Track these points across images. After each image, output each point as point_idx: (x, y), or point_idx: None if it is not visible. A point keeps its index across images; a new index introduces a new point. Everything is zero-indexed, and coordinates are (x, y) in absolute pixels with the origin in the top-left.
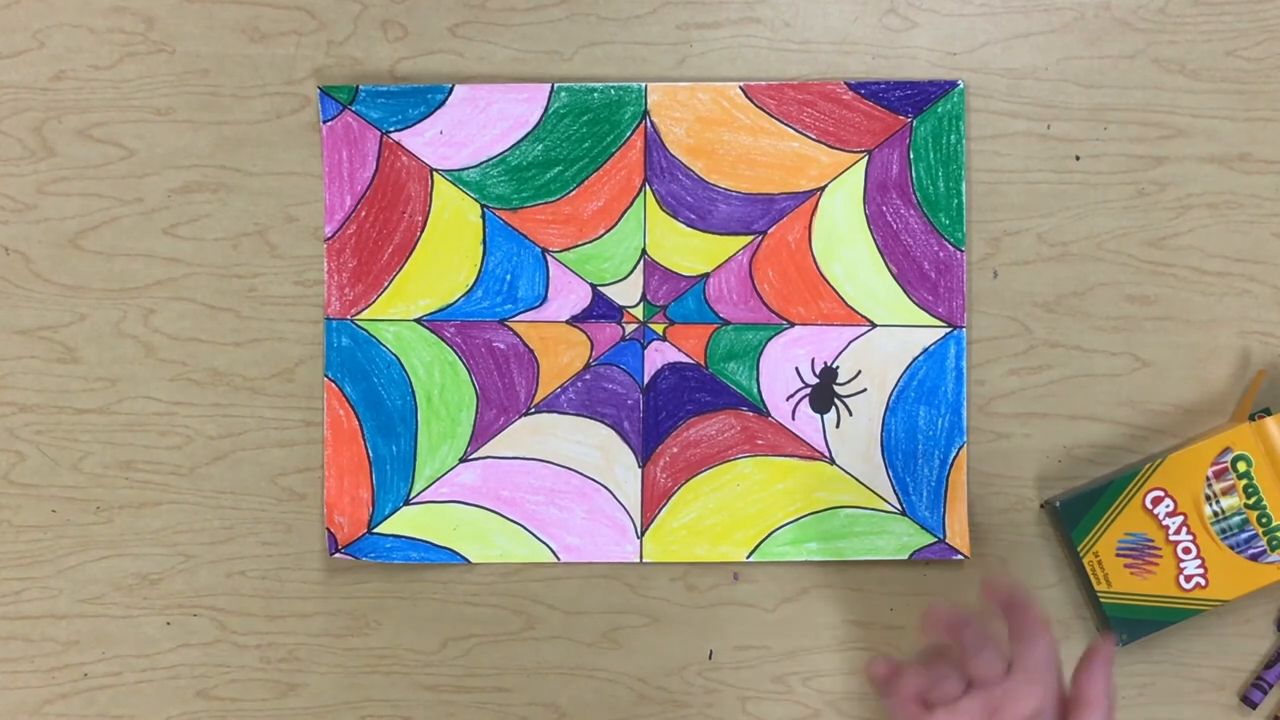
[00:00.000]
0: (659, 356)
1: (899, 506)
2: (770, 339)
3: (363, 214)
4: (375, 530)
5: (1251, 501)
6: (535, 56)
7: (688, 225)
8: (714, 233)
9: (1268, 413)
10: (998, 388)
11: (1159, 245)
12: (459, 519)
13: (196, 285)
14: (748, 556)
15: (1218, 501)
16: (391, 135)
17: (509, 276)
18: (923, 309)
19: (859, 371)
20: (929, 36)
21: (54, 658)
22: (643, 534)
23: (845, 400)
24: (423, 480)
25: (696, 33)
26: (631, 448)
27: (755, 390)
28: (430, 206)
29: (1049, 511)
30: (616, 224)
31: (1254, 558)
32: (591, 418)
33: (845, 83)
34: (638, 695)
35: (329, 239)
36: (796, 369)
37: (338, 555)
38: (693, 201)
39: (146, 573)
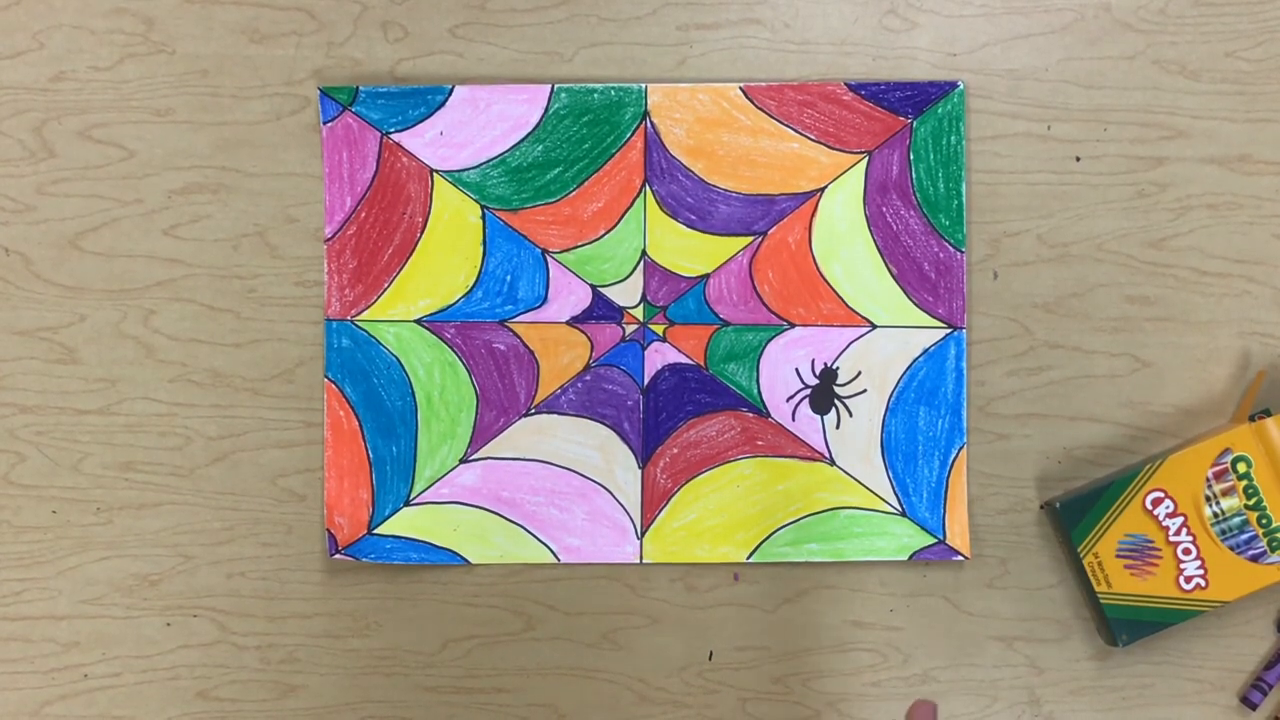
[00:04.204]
0: (659, 357)
1: (899, 507)
2: (770, 340)
3: (363, 215)
4: (375, 531)
5: (1252, 502)
6: (535, 57)
7: (688, 226)
8: (714, 233)
9: (1268, 413)
10: (998, 388)
11: (1159, 246)
12: (459, 520)
13: (196, 286)
14: (748, 557)
15: (1218, 502)
16: (391, 136)
17: (509, 277)
18: (923, 310)
19: (859, 372)
20: (929, 37)
21: (54, 659)
22: (643, 535)
23: (845, 401)
24: (423, 481)
25: (696, 34)
26: (632, 449)
27: (755, 391)
28: (430, 207)
29: (1049, 512)
30: (616, 225)
31: (1254, 559)
32: (591, 419)
33: (845, 84)
34: (638, 696)
35: (329, 240)
36: (796, 370)
37: (338, 556)
38: (693, 202)
39: (146, 574)
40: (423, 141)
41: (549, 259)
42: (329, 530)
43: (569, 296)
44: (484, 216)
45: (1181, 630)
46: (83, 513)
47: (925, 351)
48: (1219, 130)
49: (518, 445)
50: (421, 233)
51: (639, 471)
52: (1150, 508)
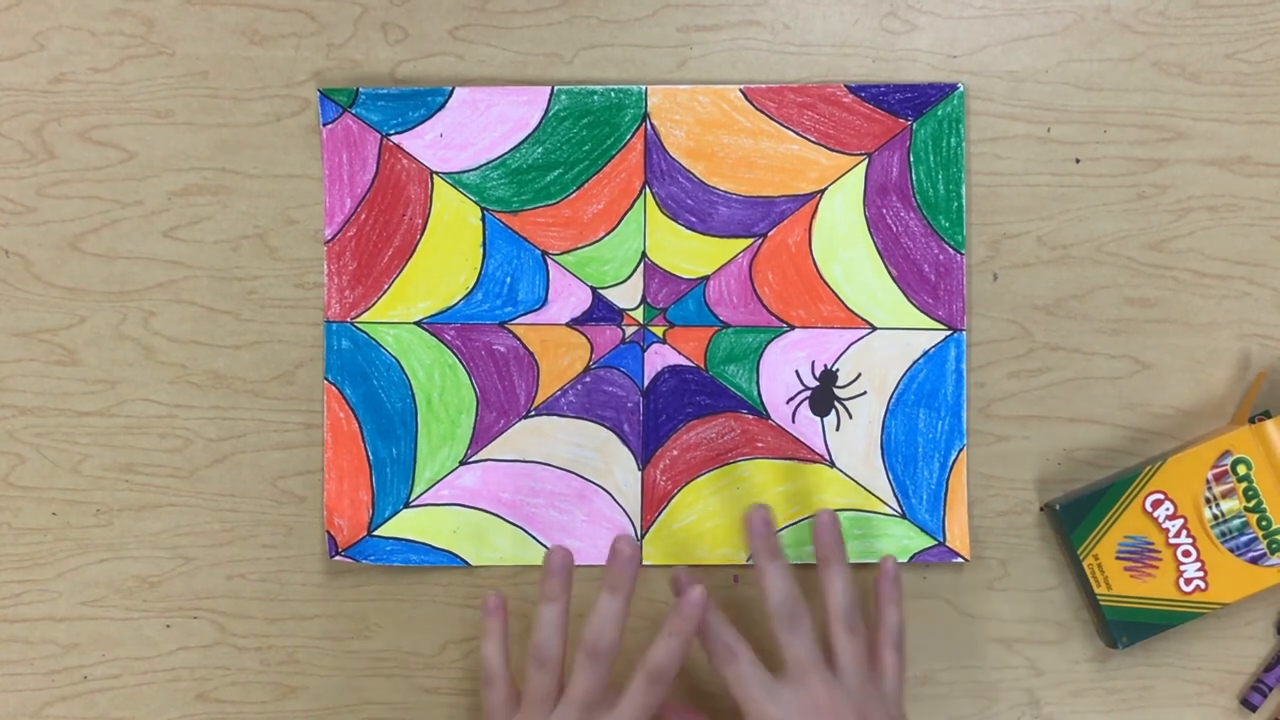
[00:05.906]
0: (659, 359)
1: (899, 509)
2: (770, 342)
3: (363, 216)
4: (375, 533)
5: (1251, 504)
6: (535, 59)
7: (688, 228)
8: (714, 235)
9: (1268, 415)
10: (998, 390)
11: (1159, 248)
12: (459, 521)
13: (196, 288)
14: (748, 559)
15: (1218, 504)
16: (391, 138)
17: (509, 279)
18: (923, 312)
19: (859, 374)
20: (929, 39)
21: (54, 660)
22: (643, 536)
23: (845, 403)
24: (423, 483)
25: (696, 35)
26: (631, 450)
27: (755, 393)
28: (430, 209)
29: (1049, 514)
30: (616, 227)
31: (1254, 561)
32: (591, 420)
33: (845, 85)
34: None
35: (329, 241)
36: (796, 372)
37: (338, 558)
38: (693, 204)
39: (146, 575)
40: (423, 143)
41: (549, 261)
42: (329, 532)
43: (569, 298)
44: (484, 218)
45: (1181, 632)
46: (83, 514)
47: (925, 353)
48: (1219, 132)
49: (518, 447)
50: (421, 234)
51: (639, 473)
52: (1150, 509)
